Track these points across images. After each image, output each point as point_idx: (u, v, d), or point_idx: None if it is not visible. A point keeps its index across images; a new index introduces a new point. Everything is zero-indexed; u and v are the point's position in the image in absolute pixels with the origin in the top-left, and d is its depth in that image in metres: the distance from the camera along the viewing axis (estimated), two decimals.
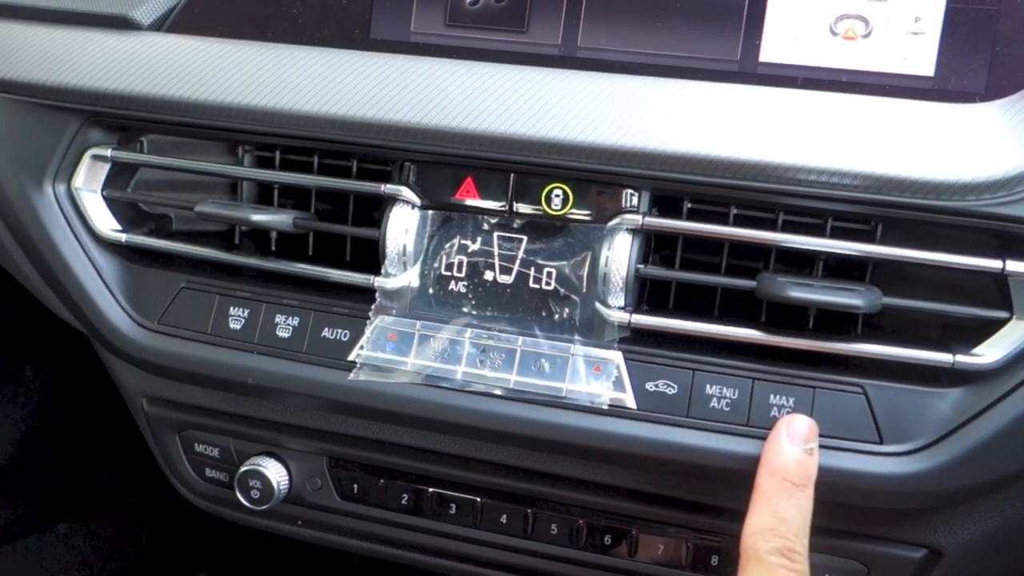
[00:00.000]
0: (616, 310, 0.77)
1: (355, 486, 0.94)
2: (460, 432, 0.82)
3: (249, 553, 1.62)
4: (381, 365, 0.80)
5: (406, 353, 0.80)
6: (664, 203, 0.78)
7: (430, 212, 0.81)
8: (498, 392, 0.78)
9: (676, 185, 0.74)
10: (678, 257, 0.80)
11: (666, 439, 0.75)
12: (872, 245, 0.74)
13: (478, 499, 0.90)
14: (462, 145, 0.77)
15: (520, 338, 0.79)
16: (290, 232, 0.85)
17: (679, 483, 0.83)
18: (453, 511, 0.91)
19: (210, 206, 0.86)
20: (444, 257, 0.81)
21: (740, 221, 0.77)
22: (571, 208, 0.78)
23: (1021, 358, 0.71)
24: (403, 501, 0.93)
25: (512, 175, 0.79)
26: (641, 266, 0.77)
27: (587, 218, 0.78)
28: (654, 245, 0.81)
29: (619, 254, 0.76)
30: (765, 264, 0.78)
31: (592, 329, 0.78)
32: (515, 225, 0.80)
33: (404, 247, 0.80)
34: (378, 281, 0.81)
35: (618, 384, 0.76)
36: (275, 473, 0.93)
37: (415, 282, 0.81)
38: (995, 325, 0.72)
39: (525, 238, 0.80)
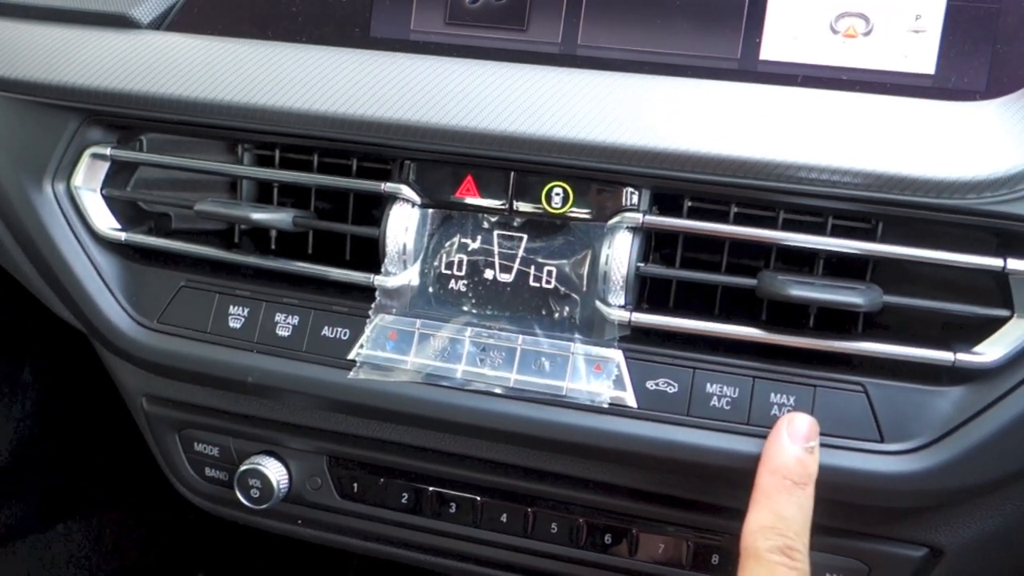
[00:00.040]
0: (616, 308, 0.77)
1: (355, 485, 0.94)
2: (460, 431, 0.82)
3: (249, 552, 1.62)
4: (381, 364, 0.80)
5: (406, 352, 0.80)
6: (664, 201, 0.78)
7: (430, 210, 0.81)
8: (498, 391, 0.78)
9: (676, 183, 0.74)
10: (678, 255, 0.80)
11: (666, 438, 0.75)
12: (873, 243, 0.74)
13: (478, 498, 0.90)
14: (462, 143, 0.77)
15: (520, 337, 0.79)
16: (290, 231, 0.85)
17: (679, 482, 0.83)
18: (453, 510, 0.91)
19: (210, 205, 0.86)
20: (444, 256, 0.81)
21: (741, 219, 0.77)
22: (571, 206, 0.78)
23: (1022, 356, 0.71)
24: (403, 500, 0.93)
25: (512, 173, 0.79)
26: (641, 264, 0.77)
27: (587, 216, 0.78)
28: (654, 243, 0.81)
29: (619, 252, 0.76)
30: (766, 263, 0.78)
31: (592, 328, 0.77)
32: (515, 223, 0.80)
33: (404, 246, 0.80)
34: (378, 280, 0.81)
35: (618, 383, 0.76)
36: (275, 472, 0.93)
37: (415, 281, 0.81)
38: (996, 323, 0.72)
39: (525, 236, 0.80)
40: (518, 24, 0.83)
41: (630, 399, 0.76)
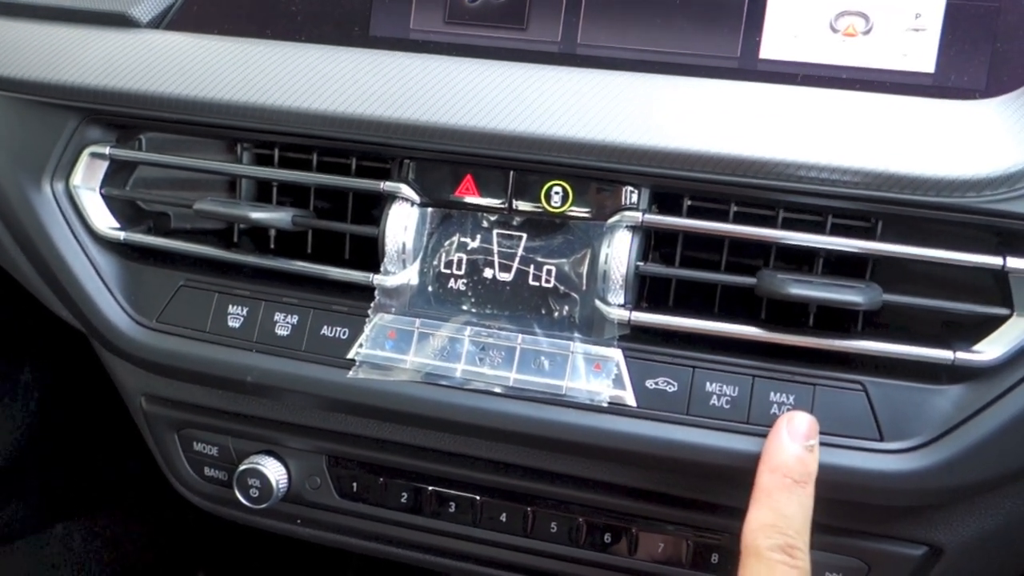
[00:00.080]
0: (616, 307, 0.77)
1: (354, 485, 0.94)
2: (459, 430, 0.82)
3: (248, 552, 1.62)
4: (380, 363, 0.80)
5: (405, 351, 0.80)
6: (664, 200, 0.78)
7: (429, 210, 0.81)
8: (497, 390, 0.78)
9: (676, 182, 0.74)
10: (678, 254, 0.80)
11: (666, 437, 0.75)
12: (872, 242, 0.74)
13: (477, 497, 0.90)
14: (462, 142, 0.77)
15: (520, 336, 0.79)
16: (289, 230, 0.85)
17: (679, 481, 0.83)
18: (452, 509, 0.91)
19: (209, 204, 0.86)
20: (443, 255, 0.81)
21: (740, 218, 0.77)
22: (571, 205, 0.78)
23: (1021, 355, 0.71)
24: (402, 499, 0.92)
25: (512, 172, 0.79)
26: (641, 263, 0.77)
27: (587, 215, 0.78)
28: (654, 242, 0.81)
29: (619, 251, 0.76)
30: (765, 261, 0.78)
31: (592, 326, 0.77)
32: (515, 222, 0.80)
33: (403, 245, 0.80)
34: (377, 279, 0.81)
35: (618, 382, 0.76)
36: (274, 472, 0.93)
37: (414, 280, 0.81)
38: (995, 322, 0.72)
39: (525, 235, 0.80)
40: (517, 23, 0.83)
41: (629, 398, 0.76)
